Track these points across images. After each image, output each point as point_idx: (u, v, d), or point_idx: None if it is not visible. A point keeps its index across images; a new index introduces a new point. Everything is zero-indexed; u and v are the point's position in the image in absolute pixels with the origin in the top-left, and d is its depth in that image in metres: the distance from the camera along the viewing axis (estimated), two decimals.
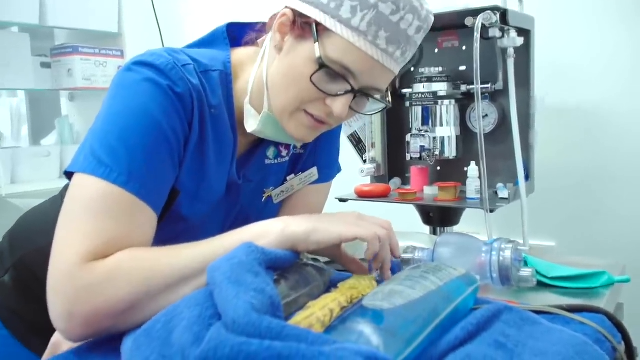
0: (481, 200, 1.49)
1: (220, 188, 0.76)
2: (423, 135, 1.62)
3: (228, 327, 0.44)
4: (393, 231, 0.67)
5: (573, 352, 0.49)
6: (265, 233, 0.60)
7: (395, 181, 1.84)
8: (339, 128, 0.94)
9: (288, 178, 0.88)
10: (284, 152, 0.85)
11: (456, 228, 1.71)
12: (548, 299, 0.73)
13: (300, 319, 0.51)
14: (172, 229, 0.73)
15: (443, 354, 0.50)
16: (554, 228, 1.86)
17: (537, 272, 0.78)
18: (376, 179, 1.84)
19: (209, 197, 0.75)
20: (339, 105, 0.67)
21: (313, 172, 0.90)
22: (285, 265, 0.60)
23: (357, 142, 1.83)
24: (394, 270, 0.69)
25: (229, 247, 0.56)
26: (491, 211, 1.44)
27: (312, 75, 0.65)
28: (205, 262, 0.55)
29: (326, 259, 0.81)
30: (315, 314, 0.51)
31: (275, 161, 0.84)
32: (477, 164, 1.50)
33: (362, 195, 1.71)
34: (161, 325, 0.50)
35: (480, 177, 1.50)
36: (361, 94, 0.68)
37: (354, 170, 1.72)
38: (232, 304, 0.45)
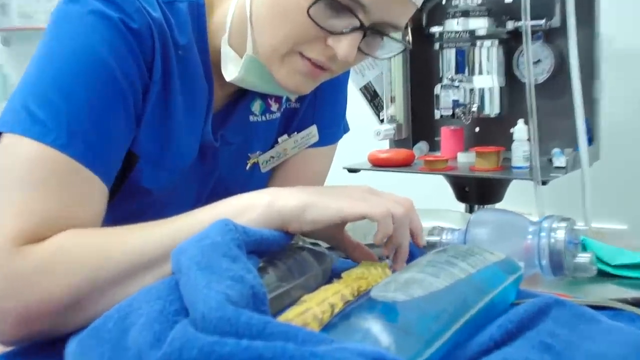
0: (531, 169, 1.49)
1: (191, 152, 0.77)
2: (457, 87, 1.61)
3: (197, 324, 0.44)
4: (414, 210, 0.67)
5: (638, 356, 0.50)
6: (248, 208, 0.60)
7: (421, 146, 1.84)
8: (346, 76, 0.94)
9: (279, 140, 0.88)
10: (274, 107, 0.85)
11: (499, 206, 1.71)
12: (610, 292, 0.73)
13: (292, 316, 0.51)
14: (129, 206, 0.74)
15: (474, 358, 0.50)
16: (625, 206, 1.85)
17: (598, 259, 0.78)
18: (396, 143, 1.84)
19: (176, 164, 0.75)
20: (344, 46, 0.66)
21: (312, 132, 0.90)
22: (273, 249, 0.61)
23: (372, 97, 1.82)
24: (413, 256, 0.69)
25: (200, 226, 0.56)
26: (543, 183, 1.44)
27: (309, 8, 0.64)
28: (169, 245, 0.56)
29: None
30: (311, 309, 0.52)
31: (263, 118, 0.84)
32: (526, 123, 1.50)
33: (378, 164, 1.71)
34: (113, 324, 0.50)
35: (530, 141, 1.50)
36: (373, 31, 0.67)
37: (367, 132, 1.72)
38: (202, 295, 0.46)
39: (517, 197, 1.72)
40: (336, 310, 0.54)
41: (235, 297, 0.46)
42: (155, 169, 0.73)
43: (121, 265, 0.58)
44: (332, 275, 0.65)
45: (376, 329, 0.47)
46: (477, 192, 1.68)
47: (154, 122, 0.70)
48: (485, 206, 1.69)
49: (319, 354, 0.41)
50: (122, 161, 0.68)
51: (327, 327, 0.49)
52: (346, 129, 0.97)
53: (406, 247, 0.68)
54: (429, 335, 0.48)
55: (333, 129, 0.93)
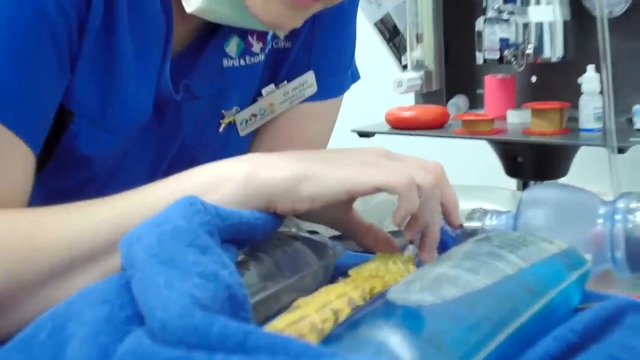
0: (604, 133, 1.49)
1: (144, 109, 0.77)
2: (506, 21, 1.60)
3: (155, 334, 0.45)
4: (446, 179, 0.68)
5: None
6: (221, 181, 0.61)
7: (458, 102, 1.84)
8: (354, 4, 0.94)
9: (264, 92, 0.89)
10: (256, 47, 0.85)
11: (561, 182, 1.71)
12: None
13: (282, 325, 0.52)
14: (64, 180, 0.75)
15: None
16: None
17: None
18: (424, 97, 1.85)
19: (123, 124, 0.76)
20: None
21: (308, 80, 0.90)
22: (256, 237, 0.61)
23: (391, 34, 1.82)
24: (445, 246, 0.70)
25: (157, 206, 0.57)
26: (620, 151, 1.44)
27: None
28: (117, 231, 0.57)
29: (331, 232, 0.82)
30: (307, 317, 0.53)
31: (242, 62, 0.84)
32: (598, 70, 1.49)
33: (399, 126, 1.72)
34: (46, 335, 0.51)
35: (603, 94, 1.50)
36: None
37: (384, 82, 1.72)
38: (162, 297, 0.46)
39: (586, 169, 1.73)
40: (341, 318, 0.54)
41: (205, 300, 0.46)
42: (96, 131, 0.74)
43: (54, 257, 0.59)
44: (337, 274, 0.66)
45: (394, 341, 0.47)
46: (533, 163, 1.68)
47: (94, 67, 0.71)
48: (544, 182, 1.69)
49: None
50: (54, 119, 0.68)
51: (329, 340, 0.50)
52: (355, 77, 0.97)
53: (436, 228, 0.68)
54: (464, 349, 0.49)
55: (337, 76, 0.94)
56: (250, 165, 0.62)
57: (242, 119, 0.88)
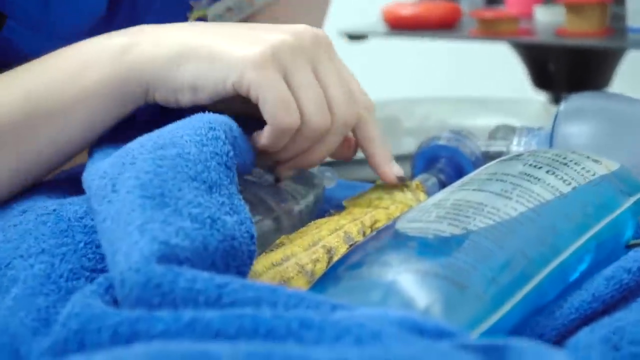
0: None
1: (95, 4, 0.78)
2: None
3: (118, 292, 0.46)
4: (333, 51, 0.69)
5: None
6: (88, 63, 0.64)
7: None
8: None
9: None
10: None
11: None
12: None
13: (262, 268, 0.53)
14: None
15: (568, 325, 0.52)
16: None
17: None
18: None
19: (69, 26, 0.76)
20: None
21: None
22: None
23: None
24: (461, 172, 0.72)
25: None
26: None
27: None
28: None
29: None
30: (294, 256, 0.54)
31: None
32: None
33: (400, 26, 1.70)
34: None
35: None
36: None
37: None
38: (130, 242, 0.47)
39: (634, 79, 1.73)
40: (336, 257, 0.55)
41: (186, 250, 0.47)
42: (36, 35, 0.74)
43: None
44: (328, 207, 0.68)
45: (406, 280, 0.48)
46: (568, 71, 1.68)
47: None
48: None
49: (313, 325, 0.42)
50: None
51: (323, 283, 0.51)
52: None
53: (367, 134, 0.69)
54: (494, 290, 0.49)
55: None
56: (128, 38, 0.64)
57: (215, 13, 0.88)
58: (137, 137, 0.58)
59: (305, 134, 0.64)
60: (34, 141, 0.65)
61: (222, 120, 0.59)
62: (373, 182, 0.72)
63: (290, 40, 0.64)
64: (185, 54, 0.63)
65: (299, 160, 0.67)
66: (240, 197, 0.55)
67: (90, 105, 0.64)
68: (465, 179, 0.61)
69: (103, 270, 0.53)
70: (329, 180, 0.73)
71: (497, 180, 0.58)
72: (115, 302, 0.47)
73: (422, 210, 0.55)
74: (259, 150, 0.65)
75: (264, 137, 0.64)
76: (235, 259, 0.50)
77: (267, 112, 0.62)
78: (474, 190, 0.56)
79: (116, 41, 0.64)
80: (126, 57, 0.63)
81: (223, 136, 0.57)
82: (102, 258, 0.52)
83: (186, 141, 0.55)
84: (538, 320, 0.53)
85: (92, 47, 0.65)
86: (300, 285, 0.52)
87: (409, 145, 0.77)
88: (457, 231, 0.52)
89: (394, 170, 0.69)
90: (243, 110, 0.67)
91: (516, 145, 0.80)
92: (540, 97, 1.72)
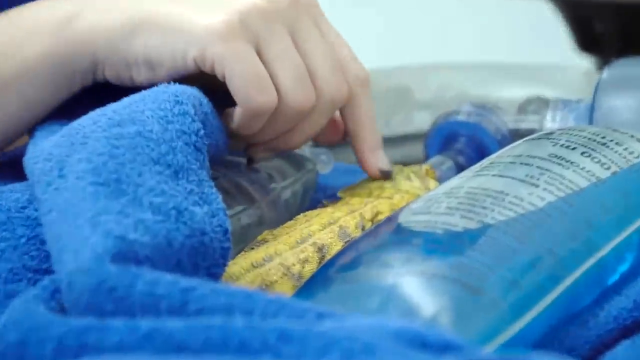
0: None
1: None
2: None
3: (64, 293, 0.44)
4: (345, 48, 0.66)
5: None
6: (26, 34, 0.63)
7: None
8: None
9: None
10: None
11: None
12: None
13: (240, 269, 0.51)
14: None
15: (605, 337, 0.50)
16: None
17: None
18: None
19: None
20: None
21: None
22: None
23: None
24: (483, 152, 0.71)
25: None
26: None
27: None
28: None
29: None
30: (278, 256, 0.53)
31: None
32: None
33: None
34: None
35: None
36: None
37: None
38: (79, 237, 0.44)
39: None
40: (328, 256, 0.54)
41: (146, 247, 0.44)
42: None
43: None
44: (321, 196, 0.67)
45: (411, 284, 0.46)
46: (618, 32, 1.65)
47: None
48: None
49: (296, 337, 0.39)
50: None
51: (310, 287, 0.49)
52: None
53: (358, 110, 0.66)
54: (515, 295, 0.47)
55: None
56: (73, 6, 0.62)
57: None
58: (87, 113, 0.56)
59: (284, 113, 0.62)
60: None
61: (191, 93, 0.57)
62: None
63: (262, 3, 0.62)
64: (140, 23, 0.61)
65: (277, 142, 0.65)
66: (213, 184, 0.52)
67: (30, 83, 0.63)
68: (483, 162, 0.59)
69: (48, 271, 0.51)
70: (324, 165, 0.71)
71: (521, 163, 0.55)
72: (62, 309, 0.44)
73: (430, 200, 0.52)
74: (231, 132, 0.63)
75: (235, 118, 0.62)
76: (205, 258, 0.47)
77: (236, 90, 0.60)
78: (493, 175, 0.54)
79: (60, 8, 0.62)
80: (71, 26, 0.61)
81: (192, 111, 0.54)
82: (48, 256, 0.50)
83: (148, 117, 0.52)
84: (568, 331, 0.50)
85: (32, 15, 0.63)
86: (285, 290, 0.50)
87: (422, 121, 0.75)
88: (471, 225, 0.49)
89: (379, 162, 0.66)
90: (211, 89, 0.66)
91: (550, 121, 0.77)
92: (585, 63, 1.68)
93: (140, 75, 0.61)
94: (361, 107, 0.66)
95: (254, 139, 0.64)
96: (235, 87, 0.59)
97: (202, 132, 0.54)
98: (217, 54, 0.59)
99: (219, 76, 0.60)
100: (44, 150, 0.54)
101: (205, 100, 0.59)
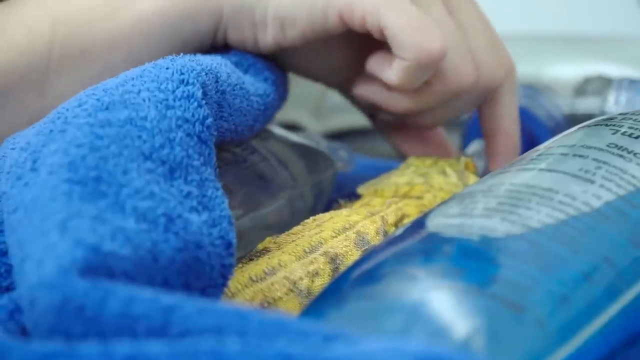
0: None
1: None
2: None
3: (25, 312, 0.41)
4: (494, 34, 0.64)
5: None
6: None
7: None
8: None
9: None
10: None
11: None
12: None
13: (237, 285, 0.49)
14: None
15: None
16: None
17: None
18: None
19: None
20: None
21: None
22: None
23: None
24: (532, 140, 0.69)
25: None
26: None
27: None
28: None
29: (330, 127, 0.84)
30: (282, 268, 0.51)
31: None
32: None
33: None
34: None
35: None
36: None
37: None
38: (45, 245, 0.41)
39: None
40: (342, 267, 0.52)
41: (122, 260, 0.41)
42: None
43: None
44: (337, 196, 0.65)
45: (439, 300, 0.43)
46: None
47: None
48: None
49: None
50: None
51: (321, 304, 0.46)
52: None
53: (511, 113, 0.65)
54: (565, 313, 0.44)
55: None
56: None
57: None
58: None
59: (443, 83, 0.60)
60: (55, 89, 0.60)
61: (203, 67, 0.52)
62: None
63: None
64: None
65: (416, 118, 0.65)
66: (219, 185, 0.48)
67: (139, 44, 0.60)
68: (529, 153, 0.55)
69: (9, 289, 0.48)
70: (344, 163, 0.69)
71: (574, 155, 0.52)
72: (23, 331, 0.43)
73: (464, 199, 0.49)
74: (359, 93, 0.63)
75: (397, 70, 0.59)
76: (200, 276, 0.44)
77: (403, 39, 0.57)
78: (540, 170, 0.51)
79: None
80: None
81: (199, 94, 0.50)
82: (9, 271, 0.48)
83: (143, 99, 0.48)
84: (629, 354, 0.47)
85: None
86: (291, 308, 0.48)
87: None
88: (513, 230, 0.46)
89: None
90: (338, 67, 0.66)
91: (614, 104, 0.76)
92: None
93: (267, 37, 0.60)
94: (508, 99, 0.64)
95: (397, 105, 0.62)
96: (401, 35, 0.57)
97: (209, 120, 0.50)
98: (369, 4, 0.57)
99: (373, 30, 0.58)
100: (26, 135, 0.51)
101: (225, 74, 0.55)
